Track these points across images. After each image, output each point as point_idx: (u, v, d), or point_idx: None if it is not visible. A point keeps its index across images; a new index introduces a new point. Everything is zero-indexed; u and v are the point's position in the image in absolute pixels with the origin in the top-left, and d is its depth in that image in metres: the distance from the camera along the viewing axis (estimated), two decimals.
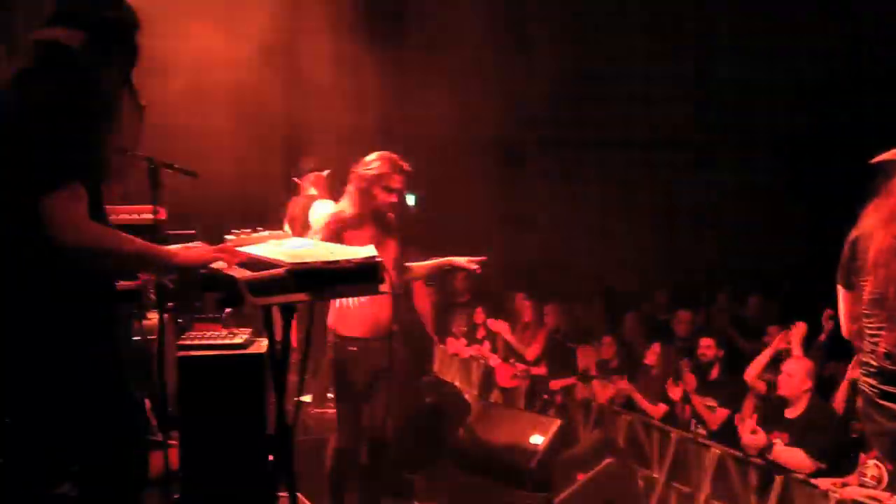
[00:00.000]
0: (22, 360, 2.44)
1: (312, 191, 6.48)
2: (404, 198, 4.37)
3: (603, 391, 6.33)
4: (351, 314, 4.22)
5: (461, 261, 4.40)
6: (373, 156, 4.20)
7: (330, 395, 6.26)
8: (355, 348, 4.22)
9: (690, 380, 5.76)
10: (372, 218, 4.18)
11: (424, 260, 4.94)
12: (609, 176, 10.46)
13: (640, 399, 6.11)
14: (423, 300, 5.19)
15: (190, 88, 6.42)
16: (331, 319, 4.31)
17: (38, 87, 2.45)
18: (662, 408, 6.01)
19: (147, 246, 2.55)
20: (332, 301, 4.19)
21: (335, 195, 6.34)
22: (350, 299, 4.11)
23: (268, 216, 8.55)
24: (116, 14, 2.57)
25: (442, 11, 9.23)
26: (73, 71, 2.47)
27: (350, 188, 4.23)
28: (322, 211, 6.26)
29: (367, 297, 4.03)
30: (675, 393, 5.84)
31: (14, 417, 2.64)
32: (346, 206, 4.26)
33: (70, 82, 2.46)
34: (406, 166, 4.21)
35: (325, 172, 6.48)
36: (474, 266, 4.38)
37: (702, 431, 5.71)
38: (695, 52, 11.10)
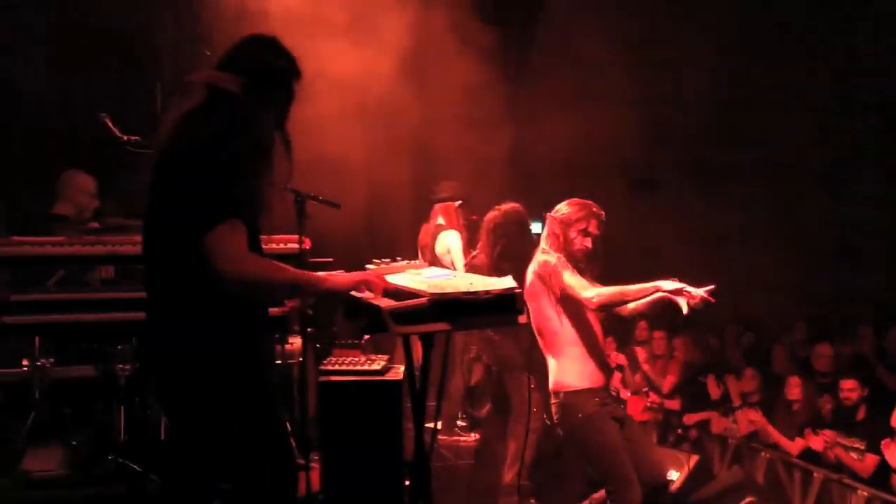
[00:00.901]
0: (183, 384, 2.60)
1: (441, 220, 6.55)
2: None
3: (743, 425, 6.12)
4: (583, 366, 4.04)
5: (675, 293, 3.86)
6: (566, 202, 4.17)
7: (460, 423, 6.32)
8: (598, 399, 4.00)
9: (830, 437, 5.50)
10: (568, 262, 4.06)
11: None
12: (746, 202, 10.15)
13: (774, 433, 5.87)
14: None
15: (324, 117, 6.66)
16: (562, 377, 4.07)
17: (200, 128, 2.62)
18: (800, 443, 5.75)
19: (300, 273, 2.70)
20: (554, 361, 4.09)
21: (464, 226, 6.46)
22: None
23: (395, 244, 8.76)
24: (276, 61, 2.72)
25: (573, 34, 9.22)
26: (232, 114, 2.63)
27: (545, 233, 4.18)
28: (449, 242, 6.37)
29: (584, 348, 4.02)
30: (815, 443, 5.58)
31: (174, 436, 2.81)
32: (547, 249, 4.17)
33: (230, 124, 2.62)
34: (602, 212, 4.14)
35: (458, 203, 6.52)
36: (696, 300, 3.80)
37: (848, 472, 5.43)
38: (835, 74, 10.68)
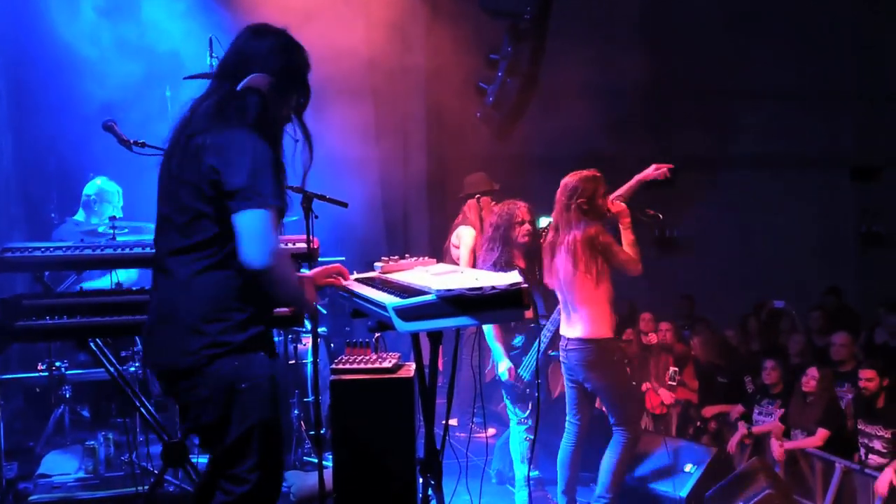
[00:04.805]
0: (191, 374, 2.59)
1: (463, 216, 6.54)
2: None
3: (761, 418, 6.06)
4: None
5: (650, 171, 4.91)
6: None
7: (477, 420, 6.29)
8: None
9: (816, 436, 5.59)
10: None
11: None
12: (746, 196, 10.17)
13: (796, 433, 5.82)
14: None
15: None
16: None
17: (224, 121, 2.59)
18: (822, 434, 5.68)
19: (300, 289, 2.77)
20: None
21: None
22: None
23: (410, 239, 8.76)
24: (292, 56, 2.70)
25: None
26: (256, 107, 2.61)
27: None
28: (460, 237, 6.35)
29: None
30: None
31: (188, 427, 2.81)
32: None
33: (253, 118, 2.60)
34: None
35: (477, 198, 6.46)
36: (664, 169, 4.89)
37: (871, 461, 5.35)
38: None
